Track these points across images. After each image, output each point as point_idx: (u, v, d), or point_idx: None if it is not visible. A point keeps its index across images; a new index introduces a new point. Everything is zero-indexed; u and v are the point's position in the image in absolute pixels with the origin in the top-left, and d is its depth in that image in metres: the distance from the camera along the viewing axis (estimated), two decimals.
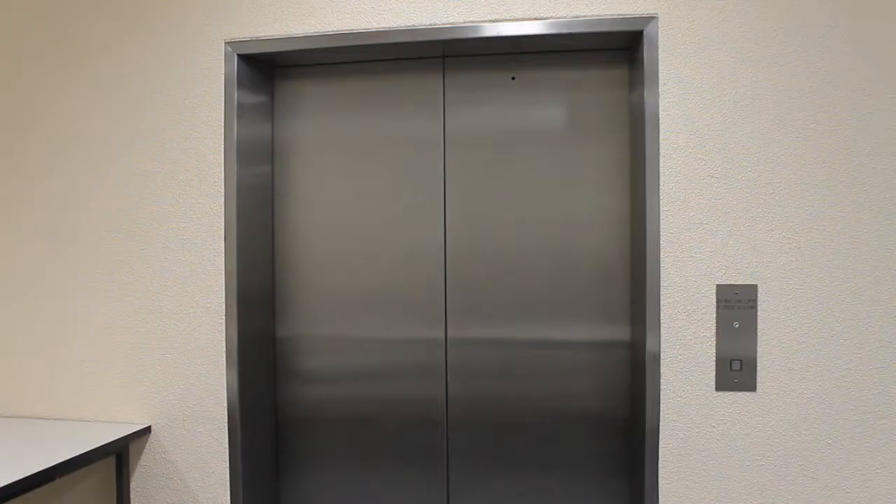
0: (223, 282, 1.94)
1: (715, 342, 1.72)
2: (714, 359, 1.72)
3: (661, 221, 1.73)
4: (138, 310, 2.00)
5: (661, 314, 1.73)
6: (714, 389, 1.72)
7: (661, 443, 1.74)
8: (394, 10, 1.83)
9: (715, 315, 1.72)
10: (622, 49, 1.89)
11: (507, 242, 2.00)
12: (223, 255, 1.94)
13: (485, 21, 1.79)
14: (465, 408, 2.06)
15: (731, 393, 1.72)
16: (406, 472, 2.09)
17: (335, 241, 2.08)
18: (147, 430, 1.98)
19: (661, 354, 1.73)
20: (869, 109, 1.66)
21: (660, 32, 1.72)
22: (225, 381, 1.94)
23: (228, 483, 1.95)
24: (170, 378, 1.98)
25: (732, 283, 1.71)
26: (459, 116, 2.01)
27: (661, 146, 1.72)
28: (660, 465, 1.74)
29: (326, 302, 2.09)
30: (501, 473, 2.04)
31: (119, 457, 1.96)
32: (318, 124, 2.08)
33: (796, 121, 1.68)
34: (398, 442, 2.10)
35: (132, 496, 2.00)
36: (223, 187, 1.93)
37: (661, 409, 1.74)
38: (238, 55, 1.91)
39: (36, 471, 1.62)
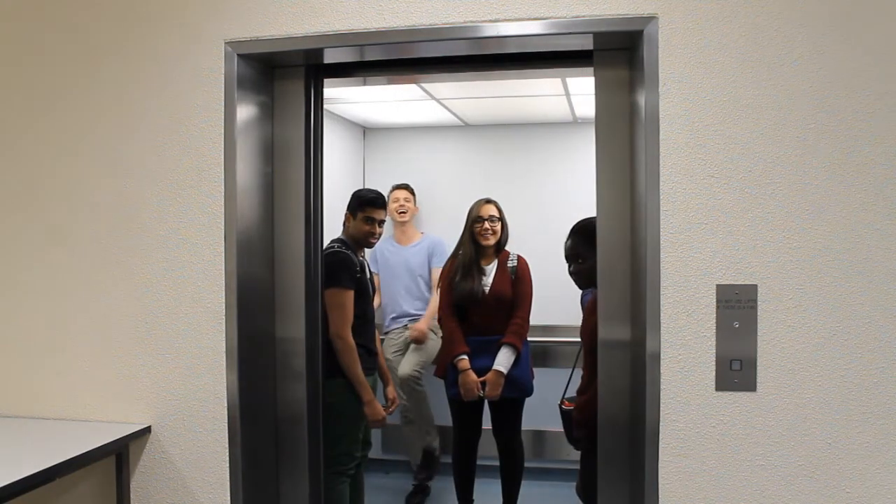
0: (223, 282, 1.93)
1: (715, 342, 1.72)
2: (714, 359, 1.72)
3: (661, 221, 1.72)
4: (138, 310, 1.99)
5: (661, 314, 1.73)
6: (714, 389, 1.72)
7: (661, 443, 1.73)
8: (394, 10, 1.83)
9: (715, 315, 1.72)
10: (622, 49, 1.89)
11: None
12: (223, 255, 1.94)
13: (485, 21, 1.79)
14: None
15: (731, 393, 1.72)
16: None
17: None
18: (147, 430, 1.98)
19: (661, 354, 1.73)
20: (869, 109, 1.65)
21: (660, 32, 1.71)
22: (225, 381, 1.94)
23: (228, 483, 1.94)
24: (170, 378, 1.98)
25: (732, 283, 1.71)
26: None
27: (661, 146, 1.72)
28: (660, 465, 1.74)
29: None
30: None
31: (119, 457, 1.96)
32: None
33: (796, 121, 1.68)
34: None
35: (132, 496, 2.00)
36: (223, 187, 1.93)
37: (661, 408, 1.73)
38: (238, 55, 1.91)
39: (36, 471, 1.62)
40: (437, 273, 3.92)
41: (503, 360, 3.24)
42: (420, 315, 4.04)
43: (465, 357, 3.24)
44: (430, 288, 4.06)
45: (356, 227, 2.97)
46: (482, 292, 3.30)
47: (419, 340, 3.95)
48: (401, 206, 4.22)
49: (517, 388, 3.30)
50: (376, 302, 4.10)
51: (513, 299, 3.31)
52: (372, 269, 4.17)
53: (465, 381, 3.23)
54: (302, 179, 2.06)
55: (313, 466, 2.10)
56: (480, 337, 3.29)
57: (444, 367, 3.37)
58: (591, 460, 2.17)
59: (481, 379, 3.24)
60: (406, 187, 4.31)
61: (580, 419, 2.47)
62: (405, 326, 4.08)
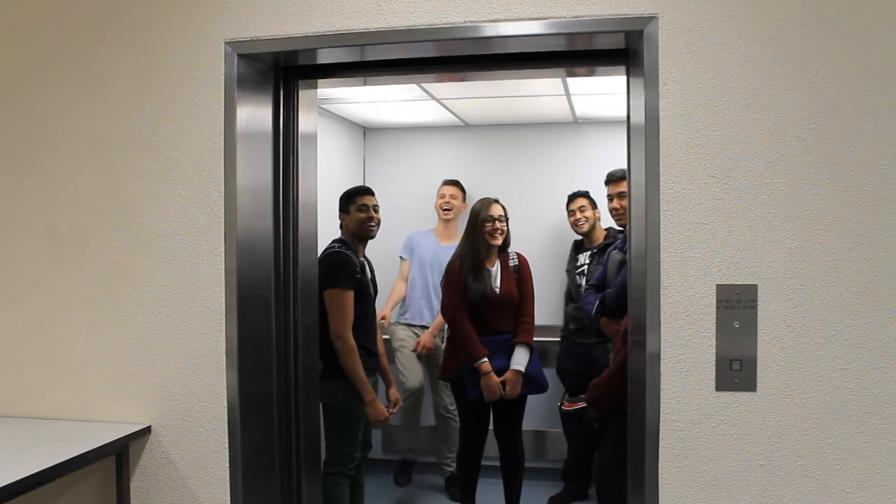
0: (223, 282, 1.93)
1: (715, 342, 1.72)
2: (714, 359, 1.72)
3: (661, 221, 1.72)
4: (138, 309, 1.99)
5: (661, 314, 1.73)
6: (714, 389, 1.72)
7: (661, 443, 1.74)
8: (394, 10, 1.83)
9: (715, 315, 1.72)
10: (622, 49, 1.89)
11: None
12: (223, 255, 1.93)
13: (485, 21, 1.79)
14: None
15: (731, 393, 1.72)
16: None
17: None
18: (147, 430, 1.98)
19: (661, 354, 1.73)
20: (869, 109, 1.65)
21: (660, 32, 1.71)
22: (225, 381, 1.94)
23: (228, 483, 1.94)
24: (170, 378, 1.98)
25: (732, 283, 1.71)
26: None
27: (661, 146, 1.72)
28: (660, 465, 1.74)
29: None
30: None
31: (119, 457, 1.96)
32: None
33: (796, 121, 1.68)
34: None
35: (132, 496, 2.00)
36: (223, 187, 1.93)
37: (661, 408, 1.73)
38: (238, 55, 1.91)
39: (36, 471, 1.62)
40: None
41: (520, 359, 3.26)
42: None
43: (487, 360, 3.24)
44: None
45: (352, 221, 2.97)
46: (494, 293, 3.31)
47: (428, 354, 3.98)
48: (447, 202, 4.16)
49: (534, 385, 3.33)
50: (402, 289, 4.15)
51: (520, 298, 3.34)
52: (403, 256, 4.20)
53: (488, 384, 3.22)
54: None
55: (314, 466, 2.10)
56: (491, 337, 3.29)
57: (458, 370, 3.34)
58: (605, 449, 2.19)
59: (500, 379, 3.25)
60: (456, 184, 4.22)
61: (590, 397, 2.61)
62: (421, 326, 4.08)
